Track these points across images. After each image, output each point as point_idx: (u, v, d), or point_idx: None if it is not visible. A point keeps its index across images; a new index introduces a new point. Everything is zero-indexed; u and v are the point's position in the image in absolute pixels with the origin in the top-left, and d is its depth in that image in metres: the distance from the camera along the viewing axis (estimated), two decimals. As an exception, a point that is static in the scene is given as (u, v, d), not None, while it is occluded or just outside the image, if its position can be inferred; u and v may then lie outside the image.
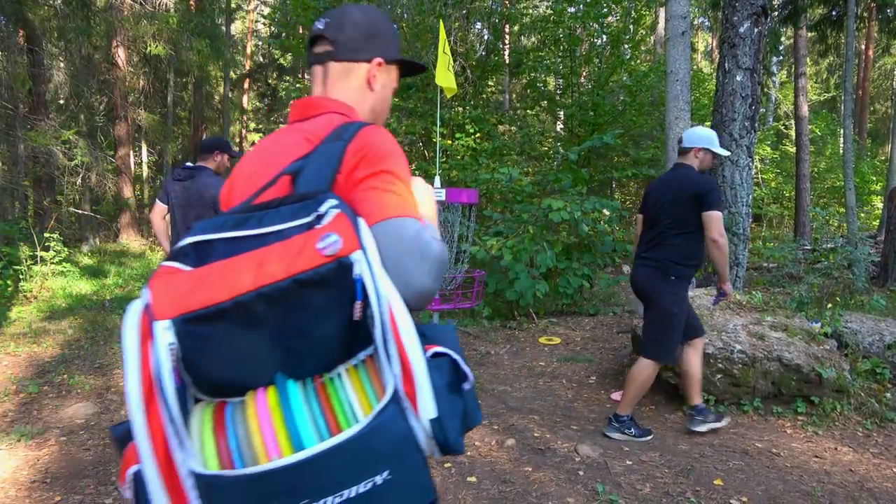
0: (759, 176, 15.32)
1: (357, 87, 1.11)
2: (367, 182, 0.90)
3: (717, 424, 3.36)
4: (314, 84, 1.12)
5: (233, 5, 18.91)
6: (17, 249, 6.78)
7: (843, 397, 3.65)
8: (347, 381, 0.81)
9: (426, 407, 0.79)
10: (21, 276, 6.64)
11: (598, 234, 7.03)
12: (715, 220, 3.10)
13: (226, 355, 0.76)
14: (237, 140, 23.23)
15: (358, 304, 0.78)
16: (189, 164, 3.81)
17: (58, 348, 4.89)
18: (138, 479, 0.76)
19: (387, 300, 0.78)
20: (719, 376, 3.71)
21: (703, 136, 3.31)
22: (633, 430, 3.28)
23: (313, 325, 0.78)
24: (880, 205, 16.35)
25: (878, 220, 15.20)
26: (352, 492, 0.75)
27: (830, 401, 3.62)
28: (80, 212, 12.26)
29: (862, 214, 16.58)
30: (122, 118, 11.79)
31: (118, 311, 6.10)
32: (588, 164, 11.29)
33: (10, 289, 6.49)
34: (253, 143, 23.64)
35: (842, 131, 13.78)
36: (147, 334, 0.74)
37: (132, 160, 13.33)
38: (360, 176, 0.91)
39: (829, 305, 5.15)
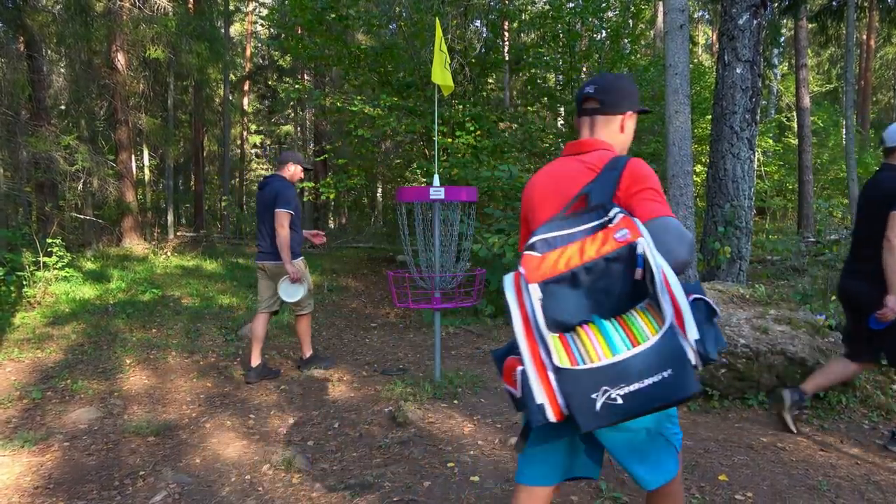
0: (762, 168, 15.24)
1: (614, 131, 1.65)
2: (638, 195, 1.43)
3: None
4: (582, 129, 1.67)
5: (231, 7, 18.91)
6: (20, 255, 6.78)
7: (848, 390, 3.63)
8: (637, 317, 1.26)
9: (691, 331, 1.22)
10: (24, 282, 6.65)
11: (599, 230, 6.99)
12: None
13: (565, 305, 1.27)
14: (238, 142, 23.25)
15: (639, 271, 1.26)
16: (268, 175, 4.53)
17: (61, 353, 4.89)
18: (523, 374, 1.27)
19: (660, 267, 1.24)
20: (723, 371, 3.69)
21: None
22: None
23: (613, 285, 1.27)
24: (884, 195, 16.23)
25: (882, 211, 15.08)
26: (650, 381, 1.19)
27: (835, 393, 3.59)
28: (82, 217, 12.28)
29: (866, 205, 16.45)
30: (122, 122, 11.78)
31: (121, 316, 6.11)
32: (589, 160, 11.22)
33: (13, 295, 6.51)
34: (255, 145, 23.72)
35: (844, 122, 13.70)
36: (520, 290, 1.29)
37: (133, 164, 13.33)
38: (632, 191, 1.44)
39: (834, 297, 5.11)
